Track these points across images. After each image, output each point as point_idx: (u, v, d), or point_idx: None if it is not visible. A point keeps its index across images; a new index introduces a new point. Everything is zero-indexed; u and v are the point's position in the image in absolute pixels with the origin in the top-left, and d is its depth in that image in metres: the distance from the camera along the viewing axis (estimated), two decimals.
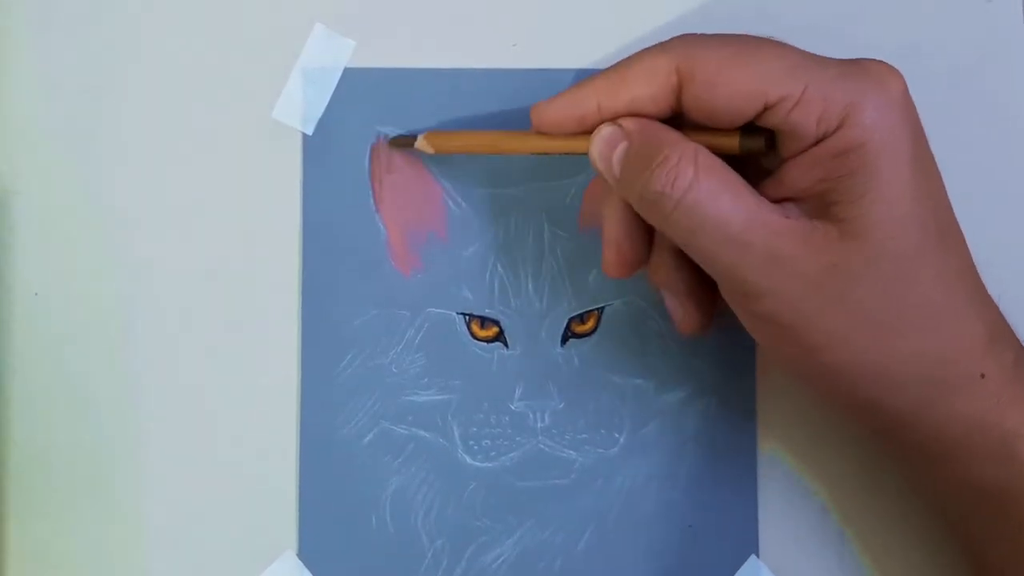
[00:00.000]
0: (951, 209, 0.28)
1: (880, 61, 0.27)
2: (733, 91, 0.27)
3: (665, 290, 0.31)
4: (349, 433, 0.34)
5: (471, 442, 0.34)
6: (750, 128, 0.28)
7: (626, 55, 0.35)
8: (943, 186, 0.28)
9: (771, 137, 0.28)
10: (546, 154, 0.31)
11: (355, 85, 0.35)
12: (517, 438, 0.34)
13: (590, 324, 0.34)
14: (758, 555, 0.34)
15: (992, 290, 0.29)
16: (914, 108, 0.27)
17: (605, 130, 0.29)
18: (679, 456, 0.34)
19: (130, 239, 0.35)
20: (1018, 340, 0.28)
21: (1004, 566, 0.28)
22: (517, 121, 0.35)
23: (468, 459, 0.34)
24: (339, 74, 0.35)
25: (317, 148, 0.35)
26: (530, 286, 0.34)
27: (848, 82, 0.26)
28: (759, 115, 0.27)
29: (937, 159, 0.28)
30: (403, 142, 0.34)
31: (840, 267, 0.26)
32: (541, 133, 0.30)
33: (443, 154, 0.33)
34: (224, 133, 0.35)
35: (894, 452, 0.30)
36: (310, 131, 0.35)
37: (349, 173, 0.35)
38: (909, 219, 0.26)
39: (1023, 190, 0.35)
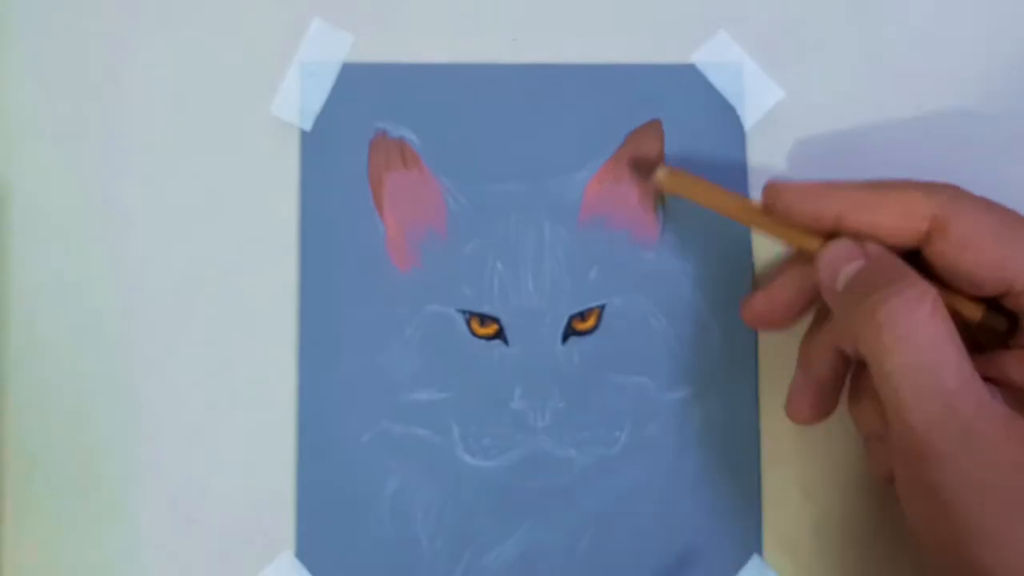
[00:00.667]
0: None
1: None
2: (981, 262, 0.26)
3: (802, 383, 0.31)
4: (347, 432, 0.34)
5: (471, 441, 0.34)
6: (993, 305, 0.27)
7: (626, 51, 0.35)
8: None
9: (1015, 322, 0.27)
10: (767, 235, 0.31)
11: (354, 80, 0.35)
12: (517, 437, 0.34)
13: (591, 322, 0.34)
14: (761, 555, 0.33)
15: None
16: None
17: (845, 242, 0.28)
18: (681, 455, 0.34)
19: (128, 236, 0.35)
20: None
21: None
22: (517, 117, 0.35)
23: (468, 458, 0.34)
24: (337, 69, 0.35)
25: (315, 143, 0.35)
26: (530, 283, 0.34)
27: None
28: (1000, 295, 0.27)
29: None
30: (643, 167, 0.34)
31: None
32: (768, 211, 0.30)
33: (673, 194, 0.33)
34: (222, 128, 0.35)
35: None
36: (308, 126, 0.35)
37: (348, 169, 0.34)
38: None
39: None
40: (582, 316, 0.34)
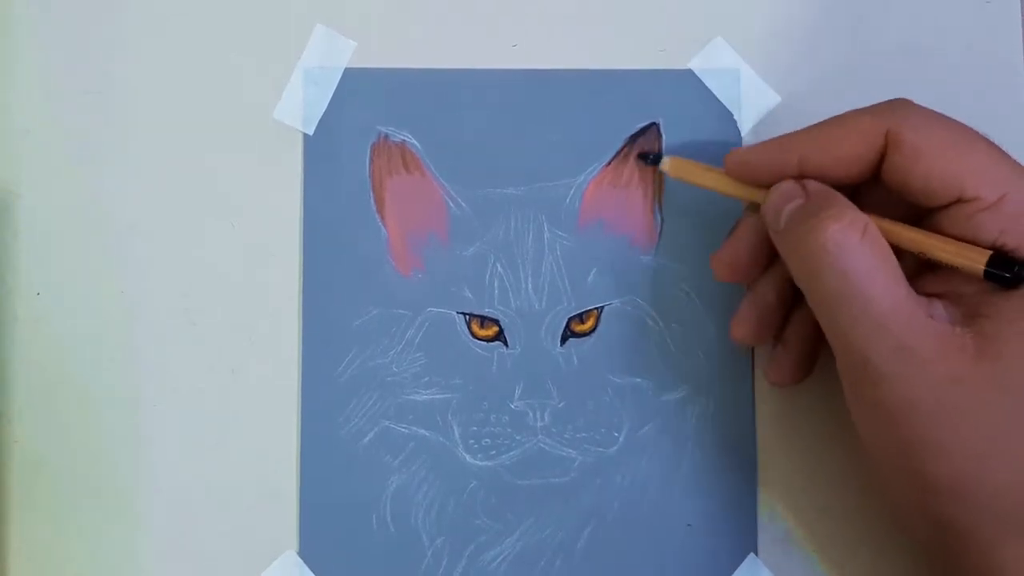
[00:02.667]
0: None
1: None
2: (933, 169, 0.27)
3: (778, 343, 0.32)
4: (349, 432, 0.34)
5: (471, 441, 0.34)
6: (999, 259, 0.27)
7: (624, 56, 0.35)
8: None
9: (1019, 276, 0.27)
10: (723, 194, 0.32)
11: (356, 85, 0.35)
12: (517, 437, 0.34)
13: (589, 323, 0.34)
14: (757, 554, 0.34)
15: None
16: None
17: (785, 184, 0.29)
18: (678, 455, 0.34)
19: (132, 240, 0.35)
20: None
21: None
22: (517, 122, 0.35)
23: (468, 458, 0.34)
24: (340, 74, 0.35)
25: (318, 148, 0.35)
26: (530, 286, 0.34)
27: None
28: (949, 204, 0.27)
29: None
30: (649, 157, 0.34)
31: (966, 383, 0.25)
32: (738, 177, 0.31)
33: (678, 179, 0.33)
34: (226, 133, 0.35)
35: (932, 563, 0.29)
36: (311, 131, 0.35)
37: (350, 173, 0.35)
38: None
39: None
40: (581, 318, 0.34)
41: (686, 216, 0.34)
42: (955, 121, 0.28)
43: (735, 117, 0.35)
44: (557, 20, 0.35)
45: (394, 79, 0.35)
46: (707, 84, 0.35)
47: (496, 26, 0.35)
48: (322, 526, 0.34)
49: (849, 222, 0.26)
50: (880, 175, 0.28)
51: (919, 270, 0.29)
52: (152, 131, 0.35)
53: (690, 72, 0.35)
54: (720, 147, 0.34)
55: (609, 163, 0.35)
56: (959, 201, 0.27)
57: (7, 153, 0.35)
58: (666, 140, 0.35)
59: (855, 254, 0.26)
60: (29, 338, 0.34)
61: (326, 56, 0.35)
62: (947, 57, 0.35)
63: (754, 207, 0.31)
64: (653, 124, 0.35)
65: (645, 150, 0.35)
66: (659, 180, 0.35)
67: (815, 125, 0.29)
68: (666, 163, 0.33)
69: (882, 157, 0.28)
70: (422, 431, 0.34)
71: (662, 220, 0.35)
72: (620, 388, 0.34)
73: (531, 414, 0.34)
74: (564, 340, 0.34)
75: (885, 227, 0.28)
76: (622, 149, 0.35)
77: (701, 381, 0.34)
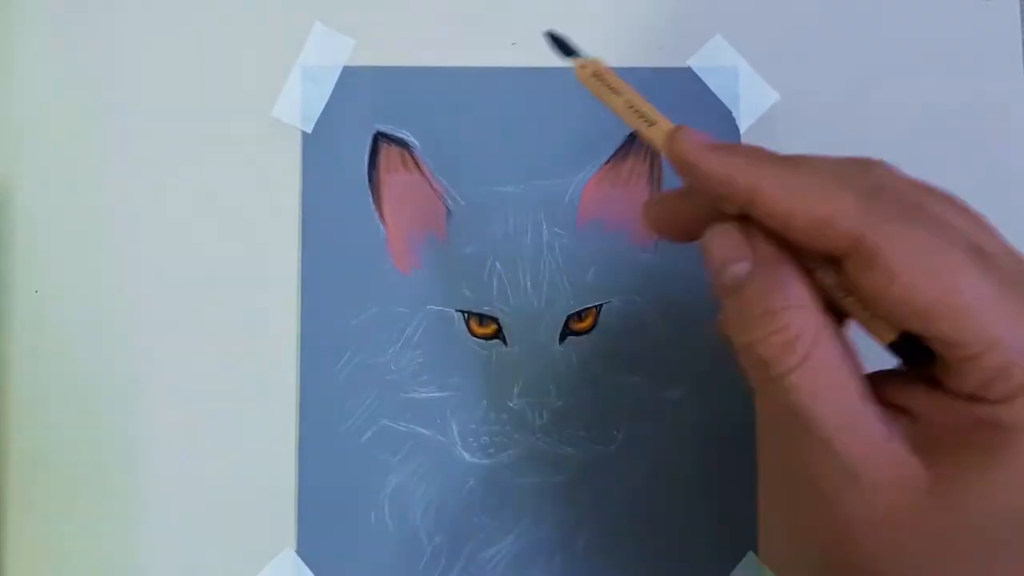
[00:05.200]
0: None
1: None
2: (906, 300, 0.22)
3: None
4: (348, 430, 0.34)
5: (470, 439, 0.34)
6: (912, 339, 0.23)
7: (623, 54, 0.35)
8: None
9: (931, 356, 0.23)
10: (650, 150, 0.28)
11: (355, 83, 0.35)
12: (515, 435, 0.34)
13: (588, 322, 0.34)
14: (756, 552, 0.34)
15: None
16: None
17: (732, 236, 0.24)
18: (676, 453, 0.34)
19: (130, 237, 0.35)
20: None
21: None
22: (516, 120, 0.35)
23: (467, 456, 0.34)
24: (339, 72, 0.35)
25: (317, 146, 0.35)
26: (528, 284, 0.34)
27: None
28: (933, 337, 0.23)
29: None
30: (566, 51, 0.28)
31: (906, 524, 0.22)
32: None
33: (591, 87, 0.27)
34: (224, 131, 0.35)
35: None
36: (309, 129, 0.35)
37: (348, 171, 0.35)
38: (1012, 506, 0.22)
39: (1022, 190, 0.35)
40: (579, 316, 0.34)
41: None
42: (942, 228, 0.22)
43: (734, 115, 0.35)
44: (556, 18, 0.35)
45: (393, 77, 0.35)
46: (706, 82, 0.35)
47: (495, 24, 0.35)
48: (320, 524, 0.34)
49: (797, 335, 0.23)
50: (842, 265, 0.23)
51: (887, 375, 0.25)
52: (150, 129, 0.35)
53: (689, 70, 0.35)
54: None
55: (608, 161, 0.35)
56: (948, 346, 0.22)
57: (5, 151, 0.35)
58: None
59: (798, 371, 0.23)
60: (27, 336, 0.34)
61: (325, 54, 0.35)
62: (950, 52, 0.35)
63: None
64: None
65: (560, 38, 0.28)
66: (658, 179, 0.35)
67: (790, 166, 0.23)
68: (581, 66, 0.27)
69: (845, 253, 0.23)
70: (421, 429, 0.34)
71: None
72: (619, 386, 0.34)
73: (530, 412, 0.34)
74: (563, 338, 0.34)
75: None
76: (621, 147, 0.35)
77: (700, 379, 0.34)
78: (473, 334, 0.34)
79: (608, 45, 0.35)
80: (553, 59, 0.35)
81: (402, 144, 0.35)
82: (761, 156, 0.24)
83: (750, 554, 0.34)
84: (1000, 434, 0.22)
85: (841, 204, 0.22)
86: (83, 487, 0.34)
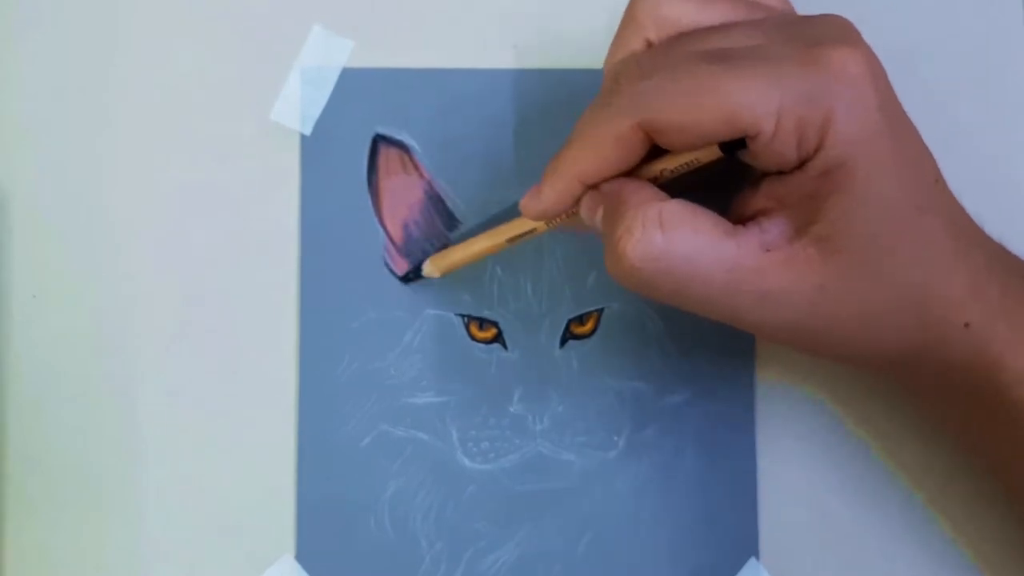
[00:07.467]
0: (931, 163, 0.28)
1: (837, 41, 0.26)
2: (705, 134, 0.26)
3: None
4: (347, 436, 0.34)
5: (470, 444, 0.34)
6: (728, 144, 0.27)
7: None
8: (921, 147, 0.28)
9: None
10: (548, 231, 0.31)
11: (354, 86, 0.35)
12: (516, 440, 0.34)
13: (589, 326, 0.34)
14: (758, 558, 0.34)
15: None
16: (883, 79, 0.26)
17: (586, 198, 0.28)
18: (678, 459, 0.34)
19: (128, 241, 0.35)
20: (1008, 257, 0.29)
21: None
22: (516, 123, 0.35)
23: (467, 462, 0.34)
24: (337, 74, 0.35)
25: (315, 149, 0.35)
26: (529, 288, 0.34)
27: (817, 95, 0.25)
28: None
29: (936, 158, 0.28)
30: (412, 277, 0.34)
31: (827, 287, 0.26)
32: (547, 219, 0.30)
33: (449, 271, 0.33)
34: (222, 134, 0.35)
35: (897, 387, 0.32)
36: (308, 132, 0.35)
37: (347, 174, 0.34)
38: (889, 218, 0.26)
39: (1022, 188, 0.35)
40: (580, 320, 0.34)
41: None
42: (687, 66, 0.26)
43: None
44: (557, 20, 0.35)
45: (392, 79, 0.35)
46: None
47: (495, 26, 0.35)
48: (320, 530, 0.34)
49: (642, 230, 0.26)
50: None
51: (739, 191, 0.28)
52: (148, 131, 0.35)
53: None
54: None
55: None
56: (752, 139, 0.26)
57: (3, 153, 0.35)
58: None
59: (665, 254, 0.26)
60: (25, 340, 0.34)
61: (324, 56, 0.35)
62: (949, 52, 0.35)
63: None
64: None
65: (404, 275, 0.34)
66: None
67: (576, 137, 0.28)
68: (427, 268, 0.33)
69: (652, 141, 0.27)
70: (420, 434, 0.34)
71: None
72: (620, 391, 0.34)
73: (530, 417, 0.34)
74: (564, 342, 0.34)
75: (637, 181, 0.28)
76: None
77: (702, 384, 0.34)
78: (473, 338, 0.34)
79: (606, 45, 0.35)
80: (554, 60, 0.35)
81: (402, 147, 0.35)
82: (561, 157, 0.29)
83: (752, 560, 0.33)
84: (836, 174, 0.25)
85: (616, 113, 0.27)
86: (81, 492, 0.34)
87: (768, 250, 0.26)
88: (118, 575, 0.34)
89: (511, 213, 0.31)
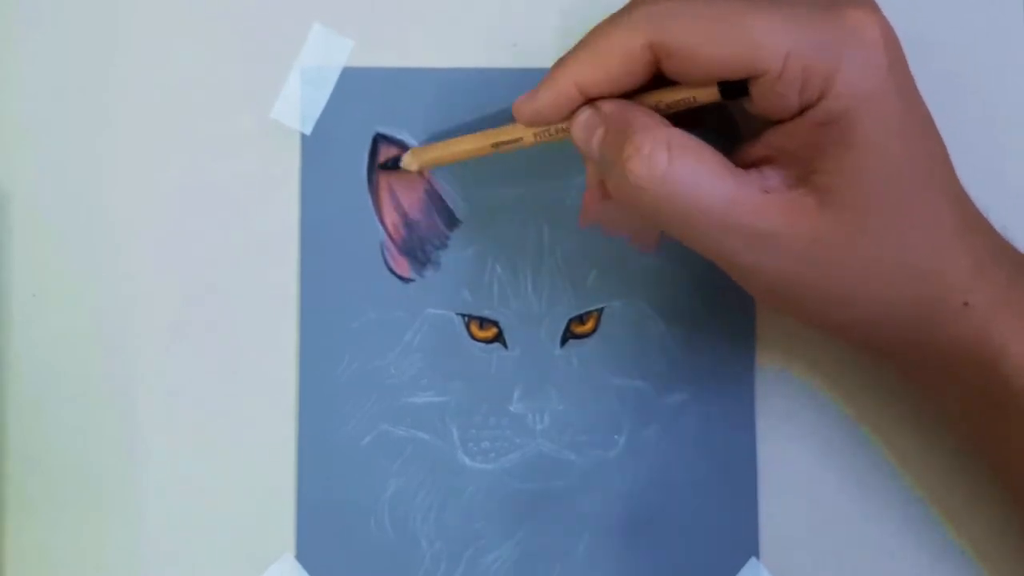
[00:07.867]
0: (939, 141, 0.28)
1: (857, 5, 0.26)
2: (712, 65, 0.26)
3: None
4: (347, 435, 0.34)
5: (470, 444, 0.34)
6: (730, 85, 0.27)
7: None
8: (930, 123, 0.28)
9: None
10: (535, 144, 0.31)
11: (354, 85, 0.35)
12: (516, 440, 0.34)
13: (590, 325, 0.34)
14: (758, 557, 0.34)
15: None
16: (897, 47, 0.27)
17: (583, 115, 0.28)
18: (679, 458, 0.34)
19: (128, 240, 0.35)
20: (1012, 251, 0.29)
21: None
22: (515, 123, 0.35)
23: (467, 461, 0.34)
24: (338, 74, 0.35)
25: (315, 148, 0.35)
26: (529, 287, 0.34)
27: (828, 46, 0.26)
28: (748, 78, 0.27)
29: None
30: (388, 164, 0.34)
31: (823, 239, 0.26)
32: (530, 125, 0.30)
33: (429, 167, 0.33)
34: (222, 133, 0.35)
35: (897, 373, 0.32)
36: (308, 131, 0.35)
37: (348, 173, 0.34)
38: (892, 180, 0.26)
39: (1022, 187, 0.35)
40: (581, 319, 0.34)
41: None
42: (712, 3, 0.27)
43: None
44: (558, 19, 0.35)
45: (392, 79, 0.35)
46: None
47: (496, 25, 0.35)
48: (320, 529, 0.34)
49: (650, 151, 0.26)
50: (665, 76, 0.28)
51: (741, 140, 0.29)
52: (148, 131, 0.35)
53: None
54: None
55: None
56: (756, 79, 0.26)
57: (2, 153, 0.35)
58: None
59: (669, 179, 0.26)
60: (25, 340, 0.34)
61: (324, 55, 0.35)
62: (949, 52, 0.35)
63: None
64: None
65: (383, 161, 0.34)
66: None
67: (583, 45, 0.28)
68: (406, 159, 0.33)
69: (657, 64, 0.27)
70: (421, 434, 0.34)
71: None
72: (621, 390, 0.34)
73: (530, 417, 0.34)
74: (564, 342, 0.34)
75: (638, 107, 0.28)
76: None
77: (703, 383, 0.34)
78: (473, 338, 0.34)
79: None
80: (554, 60, 0.35)
81: (402, 146, 0.35)
82: (562, 63, 0.29)
83: (752, 560, 0.33)
84: (838, 122, 0.26)
85: (626, 27, 0.27)
86: (81, 492, 0.34)
87: (767, 192, 0.27)
88: (118, 575, 0.34)
89: (502, 122, 0.31)
